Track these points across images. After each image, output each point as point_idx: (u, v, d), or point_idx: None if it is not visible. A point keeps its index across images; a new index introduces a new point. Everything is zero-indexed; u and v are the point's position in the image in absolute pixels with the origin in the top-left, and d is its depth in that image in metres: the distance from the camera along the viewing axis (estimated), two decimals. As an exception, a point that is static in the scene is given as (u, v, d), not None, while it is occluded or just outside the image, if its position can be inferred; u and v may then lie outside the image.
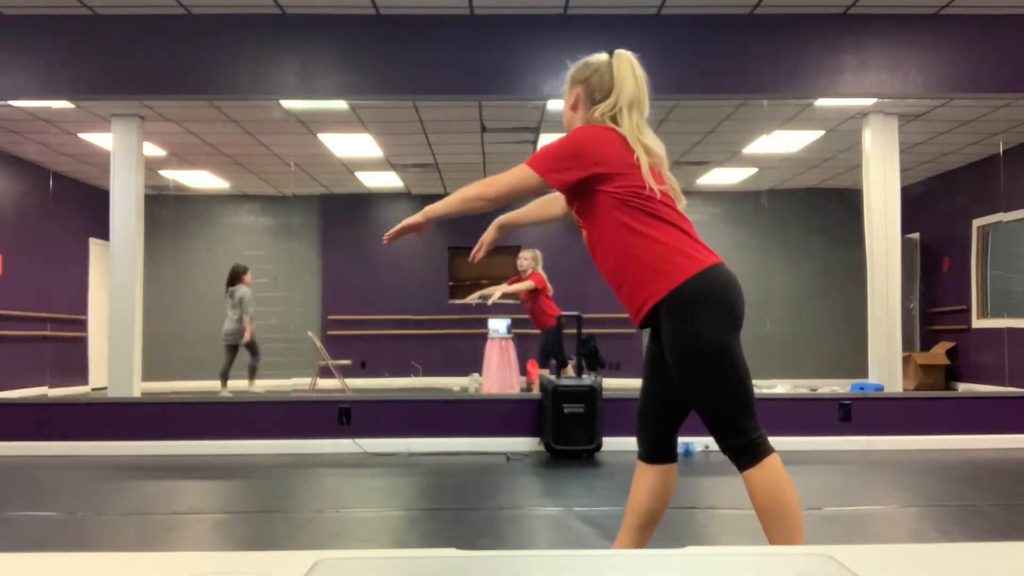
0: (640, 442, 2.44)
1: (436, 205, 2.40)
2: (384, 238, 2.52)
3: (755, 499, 2.20)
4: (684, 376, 2.24)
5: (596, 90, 2.38)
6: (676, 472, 2.44)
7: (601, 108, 2.35)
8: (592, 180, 2.27)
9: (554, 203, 2.58)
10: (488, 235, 2.60)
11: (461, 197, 2.36)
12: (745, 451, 2.20)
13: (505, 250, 7.35)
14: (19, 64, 5.97)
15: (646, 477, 2.42)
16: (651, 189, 2.25)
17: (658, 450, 2.41)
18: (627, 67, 2.38)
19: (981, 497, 4.15)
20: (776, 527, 2.18)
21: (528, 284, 6.96)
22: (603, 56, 2.42)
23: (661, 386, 2.39)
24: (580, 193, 2.33)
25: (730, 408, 2.21)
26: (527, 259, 7.10)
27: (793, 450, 5.76)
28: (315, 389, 9.24)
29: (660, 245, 2.23)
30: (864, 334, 6.69)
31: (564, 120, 2.51)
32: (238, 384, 8.61)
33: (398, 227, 2.47)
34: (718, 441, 2.25)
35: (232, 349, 8.65)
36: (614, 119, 2.34)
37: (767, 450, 2.21)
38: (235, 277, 8.76)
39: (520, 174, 2.31)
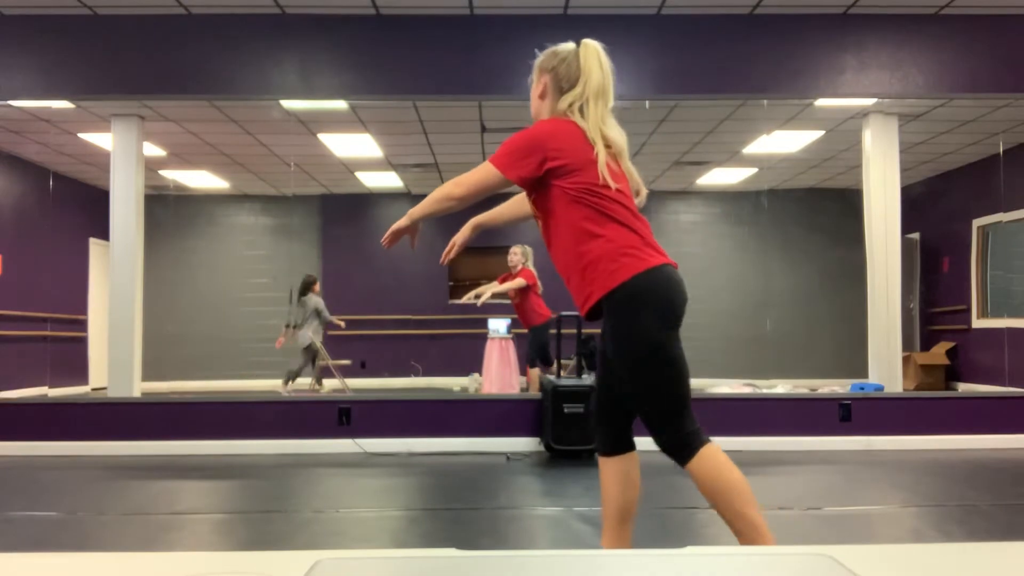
0: (599, 437, 2.50)
1: (416, 207, 2.46)
2: (383, 243, 2.57)
3: (701, 488, 2.28)
4: (621, 372, 2.32)
5: (563, 79, 2.41)
6: (638, 459, 2.49)
7: (569, 98, 2.39)
8: (548, 174, 2.32)
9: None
10: (461, 236, 2.62)
11: (433, 198, 2.40)
12: (682, 446, 2.28)
13: (503, 249, 7.34)
14: (19, 64, 5.97)
15: (611, 470, 2.47)
16: (606, 186, 2.29)
17: (617, 442, 2.47)
18: (594, 57, 2.41)
19: (981, 497, 4.15)
20: (727, 509, 2.25)
21: (519, 282, 6.94)
22: (570, 45, 2.45)
23: (613, 381, 2.43)
24: (537, 186, 2.37)
25: (664, 405, 2.28)
26: (517, 255, 7.09)
27: (793, 450, 5.76)
28: (315, 389, 9.23)
29: (607, 244, 2.28)
30: (864, 334, 6.69)
31: (532, 109, 2.53)
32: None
33: (389, 232, 2.52)
34: (655, 437, 2.32)
35: (312, 353, 9.01)
36: (581, 110, 2.37)
37: (702, 441, 2.28)
38: (306, 287, 9.06)
39: (484, 171, 2.36)
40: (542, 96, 2.47)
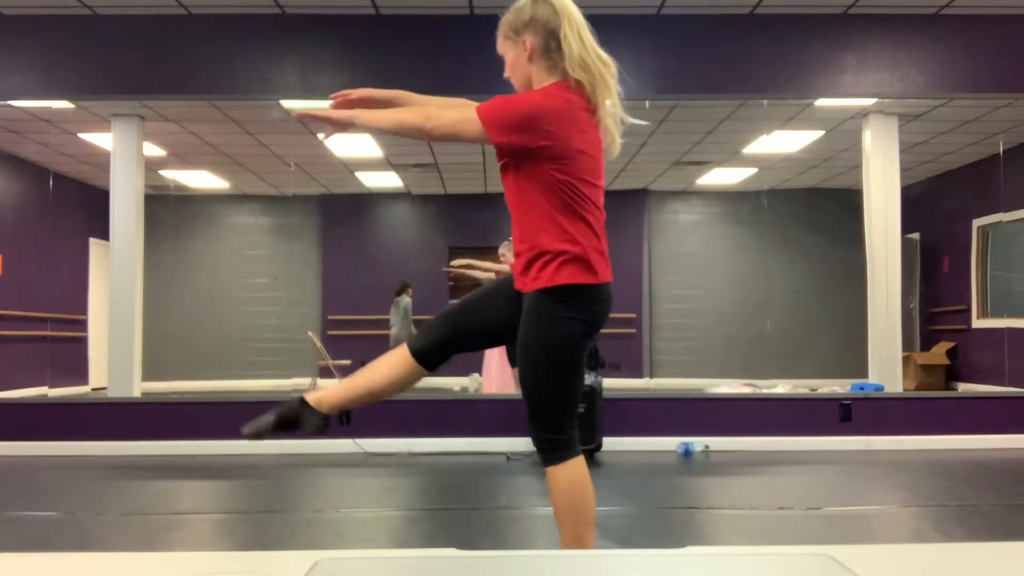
0: (426, 338, 2.37)
1: (369, 114, 2.25)
2: (294, 113, 2.32)
3: (553, 496, 2.26)
4: (524, 359, 2.25)
5: (547, 24, 2.23)
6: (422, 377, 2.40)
7: (572, 49, 2.19)
8: (535, 151, 2.16)
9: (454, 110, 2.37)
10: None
11: (399, 120, 2.21)
12: (554, 448, 2.26)
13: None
14: (19, 64, 5.96)
15: (405, 368, 2.36)
16: (588, 181, 2.20)
17: (434, 357, 2.37)
18: None
19: (981, 497, 4.15)
20: (568, 527, 2.24)
21: (505, 267, 6.91)
22: None
23: (490, 315, 2.35)
24: (517, 156, 2.20)
25: (554, 404, 2.25)
26: (506, 255, 7.05)
27: (793, 450, 5.76)
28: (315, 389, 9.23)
29: (567, 241, 2.19)
30: (864, 334, 6.69)
31: (517, 79, 2.32)
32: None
33: (320, 112, 2.30)
34: (531, 431, 2.29)
35: None
36: (584, 62, 2.20)
37: (574, 452, 2.27)
38: (400, 290, 9.81)
39: (464, 117, 2.17)
40: (531, 58, 2.27)
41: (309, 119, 2.32)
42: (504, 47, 2.35)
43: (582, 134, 2.20)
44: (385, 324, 10.57)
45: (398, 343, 9.55)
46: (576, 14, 2.25)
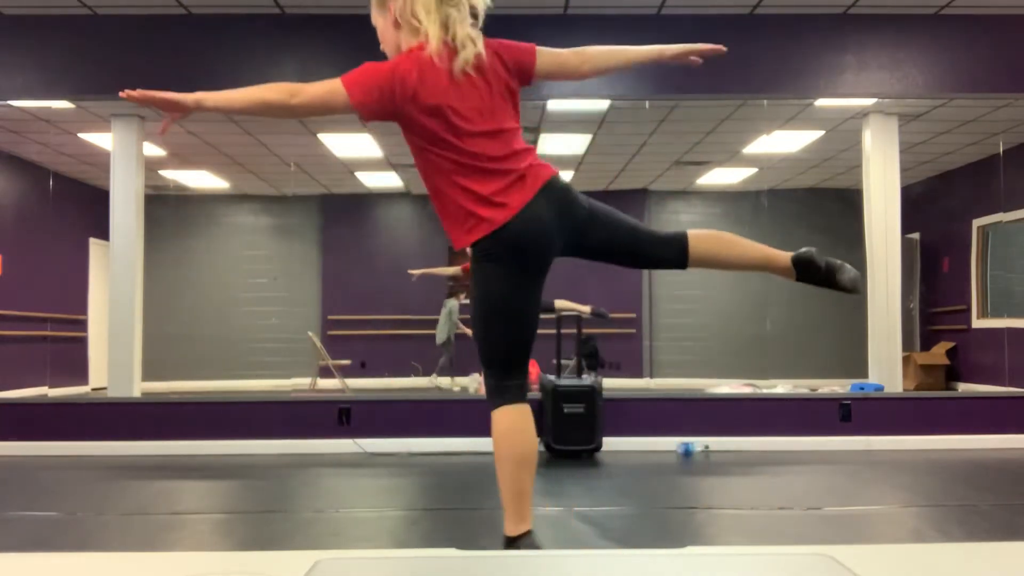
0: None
1: (218, 95, 2.15)
2: (124, 93, 2.13)
3: (493, 436, 2.44)
4: (471, 310, 2.38)
5: None
6: None
7: (424, 11, 2.21)
8: (399, 116, 2.19)
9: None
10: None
11: (259, 98, 2.14)
12: (495, 392, 2.43)
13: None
14: (19, 64, 5.97)
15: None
16: (457, 134, 2.18)
17: None
18: None
19: (981, 497, 4.15)
20: (503, 466, 2.45)
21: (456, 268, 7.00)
22: None
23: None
24: (398, 121, 2.22)
25: (493, 350, 2.36)
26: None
27: (793, 450, 5.76)
28: (315, 389, 9.24)
29: (453, 205, 2.25)
30: (864, 334, 6.69)
31: (386, 45, 2.35)
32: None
33: (158, 95, 2.14)
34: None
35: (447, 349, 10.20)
36: (420, 9, 2.21)
37: (516, 400, 2.40)
38: (449, 293, 10.09)
39: (330, 89, 2.17)
40: (396, 25, 2.29)
41: (145, 102, 2.13)
42: (375, 17, 2.38)
43: (443, 89, 2.18)
44: (386, 324, 10.59)
45: (441, 342, 9.70)
46: None
